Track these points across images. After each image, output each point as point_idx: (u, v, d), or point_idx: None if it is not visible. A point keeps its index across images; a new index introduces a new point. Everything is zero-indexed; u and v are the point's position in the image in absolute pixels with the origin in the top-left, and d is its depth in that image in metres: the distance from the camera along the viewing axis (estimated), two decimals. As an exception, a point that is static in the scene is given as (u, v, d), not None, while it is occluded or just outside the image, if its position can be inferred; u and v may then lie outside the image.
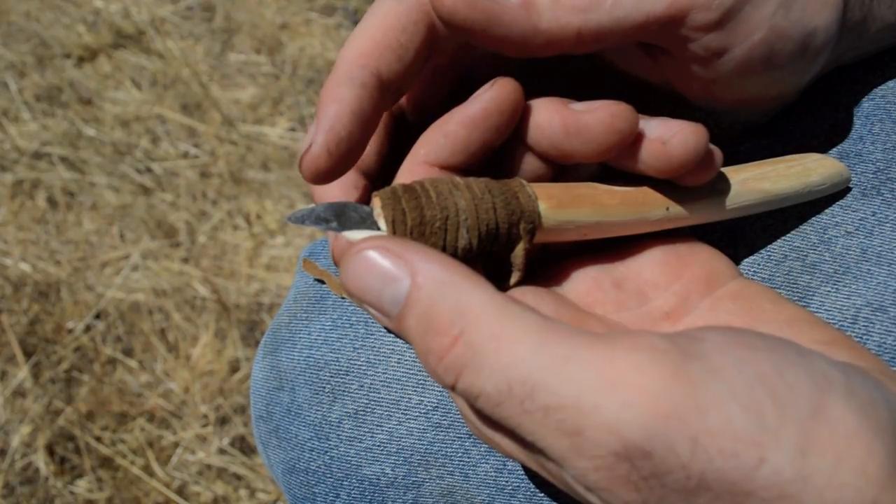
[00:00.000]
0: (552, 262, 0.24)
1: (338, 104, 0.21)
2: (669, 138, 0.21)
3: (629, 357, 0.16)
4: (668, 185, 0.23)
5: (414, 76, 0.23)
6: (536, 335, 0.16)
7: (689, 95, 0.25)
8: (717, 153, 0.23)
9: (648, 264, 0.24)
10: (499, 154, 0.23)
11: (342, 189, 0.26)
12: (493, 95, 0.22)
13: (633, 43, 0.23)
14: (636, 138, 0.22)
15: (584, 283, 0.23)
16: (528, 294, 0.22)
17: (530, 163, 0.23)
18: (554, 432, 0.16)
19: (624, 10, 0.21)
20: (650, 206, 0.23)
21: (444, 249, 0.20)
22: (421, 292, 0.17)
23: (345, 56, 0.22)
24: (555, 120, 0.22)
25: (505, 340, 0.16)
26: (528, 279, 0.23)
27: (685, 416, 0.15)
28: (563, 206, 0.22)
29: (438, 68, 0.25)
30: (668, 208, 0.23)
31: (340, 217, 0.20)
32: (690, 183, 0.23)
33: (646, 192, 0.23)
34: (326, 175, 0.22)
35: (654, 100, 0.26)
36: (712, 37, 0.22)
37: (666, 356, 0.16)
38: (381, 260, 0.18)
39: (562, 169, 0.24)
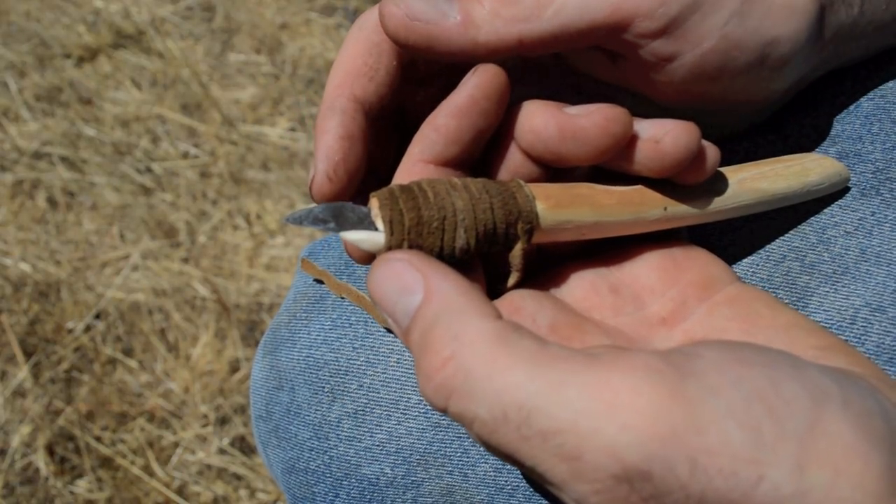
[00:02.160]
0: (549, 266, 0.24)
1: (327, 134, 0.23)
2: (662, 137, 0.21)
3: (625, 378, 0.16)
4: (665, 185, 0.23)
5: (392, 90, 0.25)
6: (531, 360, 0.16)
7: (652, 97, 0.25)
8: (713, 151, 0.23)
9: (645, 269, 0.24)
10: (493, 158, 0.23)
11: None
12: (476, 82, 0.22)
13: (586, 47, 0.24)
14: (630, 140, 0.22)
15: (582, 287, 0.23)
16: (528, 298, 0.22)
17: (525, 166, 0.23)
18: (552, 458, 0.16)
19: (566, 18, 0.22)
20: (648, 206, 0.23)
21: (441, 249, 0.20)
22: (427, 309, 0.18)
23: (327, 90, 0.24)
24: (550, 124, 0.22)
25: (499, 367, 0.16)
26: (526, 283, 0.23)
27: (683, 436, 0.15)
28: (560, 207, 0.22)
29: (435, 91, 0.26)
30: (665, 208, 0.23)
31: (338, 218, 0.20)
32: (686, 181, 0.23)
33: (643, 192, 0.23)
34: (336, 197, 0.23)
35: (629, 103, 0.26)
36: (659, 43, 0.23)
37: (662, 376, 0.16)
38: (402, 272, 0.18)
39: (555, 173, 0.24)
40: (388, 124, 0.27)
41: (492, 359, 0.16)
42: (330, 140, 0.23)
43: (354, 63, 0.24)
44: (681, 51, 0.23)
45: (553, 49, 0.23)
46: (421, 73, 0.26)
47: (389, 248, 0.20)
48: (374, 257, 0.23)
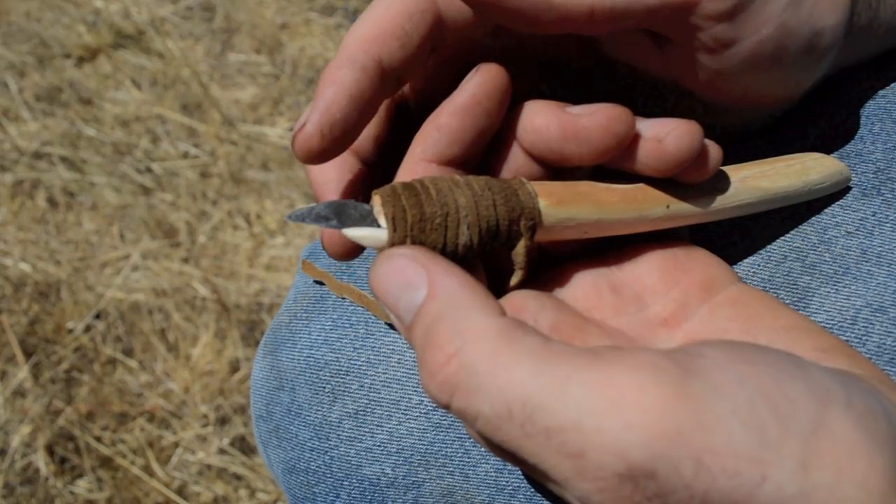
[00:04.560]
0: (551, 266, 0.24)
1: (336, 86, 0.21)
2: (664, 136, 0.21)
3: (630, 376, 0.16)
4: (667, 183, 0.23)
5: (416, 65, 0.23)
6: (536, 357, 0.16)
7: (694, 89, 0.25)
8: (715, 149, 0.23)
9: (647, 270, 0.24)
10: (495, 158, 0.23)
11: (338, 171, 0.25)
12: (479, 81, 0.22)
13: (641, 29, 0.23)
14: (632, 139, 0.22)
15: (583, 287, 0.23)
16: (530, 299, 0.22)
17: (527, 166, 0.23)
18: (556, 455, 0.16)
19: None
20: (650, 204, 0.23)
21: (444, 247, 0.20)
22: (431, 305, 0.18)
23: (348, 40, 0.22)
24: (552, 124, 0.22)
25: (503, 363, 0.16)
26: (527, 283, 0.23)
27: (688, 435, 0.15)
28: (563, 204, 0.22)
29: (442, 60, 0.26)
30: (668, 206, 0.23)
31: (340, 215, 0.20)
32: (689, 180, 0.23)
33: (645, 191, 0.23)
34: (318, 156, 0.21)
35: (657, 98, 0.26)
36: (722, 27, 0.22)
37: (666, 374, 0.16)
38: (406, 267, 0.18)
39: (557, 172, 0.24)
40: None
41: (496, 355, 0.16)
42: (339, 93, 0.21)
43: (390, 22, 0.22)
44: (740, 36, 0.22)
45: (617, 27, 0.22)
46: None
47: (392, 244, 0.20)
48: (352, 252, 0.23)
